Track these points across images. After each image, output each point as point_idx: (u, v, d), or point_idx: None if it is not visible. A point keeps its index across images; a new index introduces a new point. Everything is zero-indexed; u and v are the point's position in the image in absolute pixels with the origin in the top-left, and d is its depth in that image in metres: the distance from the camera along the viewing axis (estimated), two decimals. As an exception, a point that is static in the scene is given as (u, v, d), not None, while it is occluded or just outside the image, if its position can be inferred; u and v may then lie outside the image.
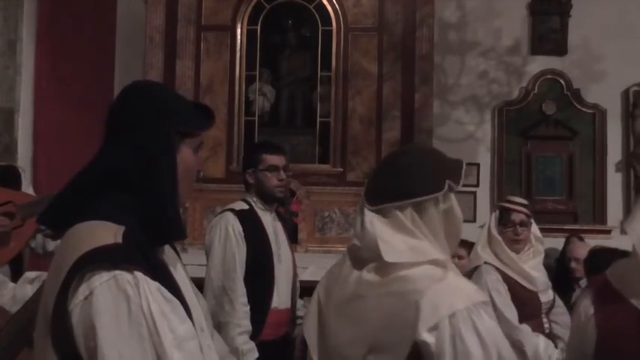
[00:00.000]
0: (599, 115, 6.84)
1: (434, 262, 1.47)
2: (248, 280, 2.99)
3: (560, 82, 6.89)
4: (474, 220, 6.56)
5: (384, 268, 1.47)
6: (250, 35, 6.63)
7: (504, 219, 3.24)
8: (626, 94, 6.89)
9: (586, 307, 1.64)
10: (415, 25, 6.50)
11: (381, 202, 1.51)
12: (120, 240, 1.25)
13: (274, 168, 3.09)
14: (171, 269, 1.38)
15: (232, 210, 3.09)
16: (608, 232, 6.60)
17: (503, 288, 3.09)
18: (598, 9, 6.72)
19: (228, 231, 3.00)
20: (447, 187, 1.51)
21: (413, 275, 1.44)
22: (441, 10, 6.75)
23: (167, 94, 1.48)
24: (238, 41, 6.59)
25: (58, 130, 5.89)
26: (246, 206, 3.12)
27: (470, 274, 3.23)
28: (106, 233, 1.25)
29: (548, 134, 6.81)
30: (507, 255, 3.16)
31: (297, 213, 5.95)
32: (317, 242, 6.09)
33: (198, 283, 3.26)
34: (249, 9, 6.60)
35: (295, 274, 3.27)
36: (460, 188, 1.57)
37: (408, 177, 1.52)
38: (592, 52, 6.81)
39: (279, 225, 3.21)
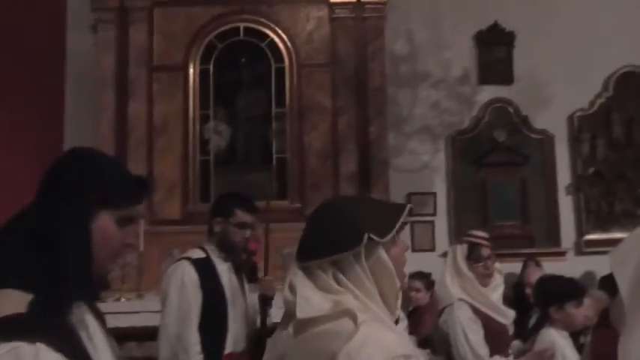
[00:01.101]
0: (547, 140, 7.05)
1: (347, 313, 1.38)
2: (202, 327, 3.02)
3: (509, 110, 7.09)
4: (432, 250, 6.63)
5: (302, 324, 1.42)
6: (203, 74, 6.63)
7: (474, 254, 3.25)
8: (571, 119, 7.13)
9: None
10: (367, 59, 6.61)
11: (305, 259, 1.46)
12: (23, 309, 1.23)
13: (244, 225, 3.12)
14: (84, 334, 1.37)
15: (188, 259, 3.10)
16: (563, 254, 6.75)
17: (476, 325, 3.11)
18: (541, 38, 6.98)
19: (184, 280, 3.02)
20: (365, 240, 1.43)
21: (326, 332, 1.37)
22: (392, 44, 6.90)
23: (102, 164, 1.49)
24: (191, 81, 6.58)
25: (8, 179, 5.73)
26: (202, 254, 3.14)
27: (441, 311, 3.24)
28: (8, 303, 1.23)
29: (500, 160, 6.97)
30: (479, 290, 3.19)
31: (256, 251, 5.89)
32: (278, 281, 6.02)
33: (153, 331, 3.25)
34: (202, 49, 6.62)
35: (252, 317, 3.26)
36: (387, 239, 1.51)
37: (324, 232, 1.47)
38: (537, 79, 7.05)
39: (233, 275, 3.22)
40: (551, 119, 7.03)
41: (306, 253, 1.47)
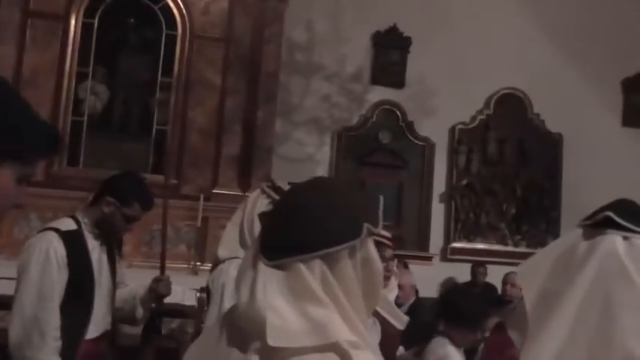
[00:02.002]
0: (428, 147, 7.26)
1: (336, 349, 1.10)
2: (63, 309, 2.64)
3: (397, 113, 7.21)
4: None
5: (270, 352, 1.10)
6: (86, 28, 6.11)
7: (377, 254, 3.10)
8: (452, 130, 7.39)
9: None
10: (263, 42, 6.42)
11: (281, 254, 1.14)
12: None
13: (133, 219, 2.80)
14: None
15: (57, 230, 2.70)
16: (430, 258, 6.98)
17: (375, 330, 2.97)
18: (435, 48, 7.16)
19: (49, 254, 2.62)
20: (365, 231, 1.18)
21: None
22: (290, 30, 6.76)
23: (11, 105, 1.20)
24: (71, 33, 6.04)
25: None
26: (73, 226, 2.74)
27: None
28: None
29: (382, 162, 7.08)
30: (380, 293, 3.04)
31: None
32: (142, 257, 5.69)
33: (6, 301, 2.86)
34: (87, 0, 6.09)
35: (114, 298, 2.96)
36: (379, 232, 1.24)
37: (318, 221, 1.16)
38: (427, 87, 7.23)
39: (104, 253, 2.88)
40: (434, 128, 7.25)
41: (287, 247, 1.14)
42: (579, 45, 7.65)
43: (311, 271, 1.12)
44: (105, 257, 2.84)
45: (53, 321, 2.59)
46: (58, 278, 2.62)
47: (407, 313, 4.72)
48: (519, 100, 7.59)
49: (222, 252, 2.68)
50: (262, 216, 1.71)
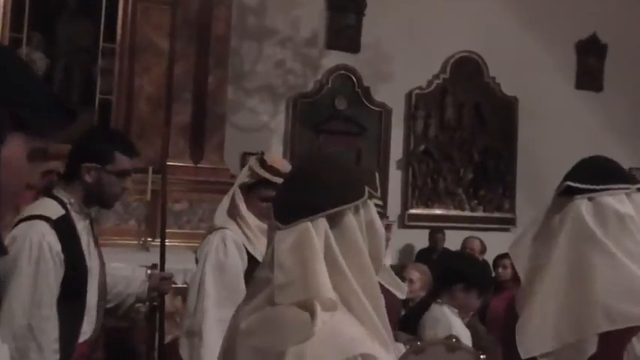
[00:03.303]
0: (385, 113, 7.13)
1: (308, 305, 1.21)
2: (58, 312, 2.25)
3: (352, 79, 7.03)
4: (263, 213, 6.40)
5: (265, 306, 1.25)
6: (18, -10, 5.66)
7: None
8: (409, 95, 7.27)
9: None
10: (212, 4, 6.09)
11: (292, 218, 1.25)
12: None
13: (124, 173, 2.41)
14: None
15: (47, 218, 2.26)
16: (388, 227, 6.89)
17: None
18: (390, 12, 6.98)
19: (42, 249, 2.20)
20: (367, 193, 1.30)
21: (281, 321, 1.21)
22: (241, -8, 6.46)
23: (25, 70, 1.06)
24: (2, -5, 5.58)
25: None
26: (61, 211, 2.31)
27: None
28: None
29: (339, 129, 6.92)
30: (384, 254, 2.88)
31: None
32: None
33: None
34: (18, -41, 5.64)
35: (105, 286, 2.54)
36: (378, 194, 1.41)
37: (324, 185, 1.29)
38: (382, 52, 7.05)
39: (90, 234, 2.47)
40: (391, 93, 7.11)
41: (297, 211, 1.26)
42: (533, 8, 7.59)
43: (316, 230, 1.23)
44: (92, 240, 2.47)
45: (52, 331, 2.20)
46: (55, 278, 2.22)
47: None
48: (475, 63, 7.50)
49: (217, 220, 2.68)
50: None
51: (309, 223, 1.23)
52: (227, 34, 6.21)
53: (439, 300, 3.03)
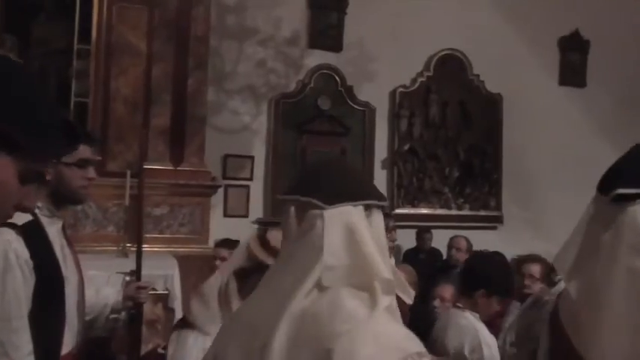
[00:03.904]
0: (369, 113, 7.03)
1: (369, 287, 1.19)
2: (32, 323, 2.10)
3: (335, 78, 6.93)
4: (246, 216, 6.28)
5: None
6: (-11, -9, 5.50)
7: None
8: (393, 94, 7.18)
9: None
10: (191, 4, 5.97)
11: (338, 199, 1.25)
12: None
13: (85, 162, 2.26)
14: None
15: (12, 225, 2.11)
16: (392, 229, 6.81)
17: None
18: (372, 10, 6.89)
19: (9, 259, 2.06)
20: (384, 201, 1.34)
21: (340, 304, 1.15)
22: (219, -9, 6.33)
23: (22, 86, 1.00)
24: (-28, -3, 5.42)
25: None
26: (29, 216, 2.14)
27: None
28: None
29: (322, 129, 6.81)
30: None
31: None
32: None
33: None
34: (-11, -41, 5.48)
35: (83, 295, 2.40)
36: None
37: (366, 180, 1.38)
38: (365, 51, 6.96)
39: (64, 237, 2.32)
40: (375, 92, 7.02)
41: (341, 195, 1.25)
42: (516, 4, 7.55)
43: (359, 215, 1.24)
44: (65, 243, 2.32)
45: (24, 345, 2.05)
46: (25, 289, 2.08)
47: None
48: (459, 61, 7.44)
49: (197, 319, 2.26)
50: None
51: (353, 209, 1.24)
52: (206, 34, 6.08)
53: (459, 305, 2.87)
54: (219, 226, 5.84)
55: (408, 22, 7.04)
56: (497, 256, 3.23)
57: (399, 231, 7.04)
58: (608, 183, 1.43)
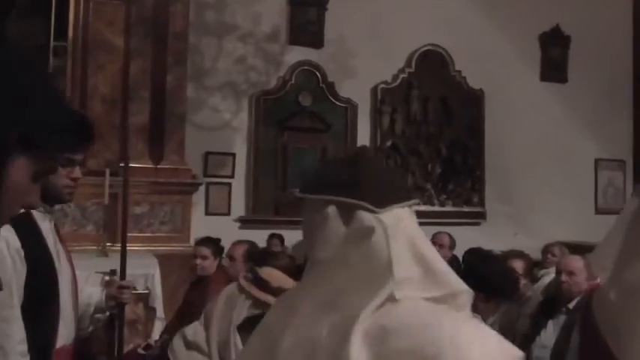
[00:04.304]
0: (351, 109, 7.00)
1: (449, 300, 1.08)
2: (25, 314, 2.09)
3: (316, 75, 6.89)
4: (228, 214, 6.23)
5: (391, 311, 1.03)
6: (-39, -13, 5.39)
7: None
8: (375, 90, 7.15)
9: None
10: (168, 0, 5.90)
11: (389, 202, 1.11)
12: None
13: (70, 162, 2.23)
14: None
15: None
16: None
17: None
18: (353, 6, 6.85)
19: (1, 250, 2.06)
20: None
21: (423, 317, 1.03)
22: (197, -13, 6.26)
23: (34, 83, 0.97)
24: (-57, -7, 5.31)
25: None
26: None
27: None
28: None
29: (304, 126, 6.77)
30: None
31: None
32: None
33: None
34: (-40, -46, 5.37)
35: (76, 291, 2.40)
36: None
37: (395, 175, 1.28)
38: (346, 47, 6.93)
39: (56, 233, 2.32)
40: (356, 89, 6.98)
41: (396, 196, 1.13)
42: (497, 0, 7.56)
43: (411, 218, 1.13)
44: (58, 239, 2.32)
45: (16, 333, 2.05)
46: (17, 279, 2.08)
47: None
48: (441, 57, 7.43)
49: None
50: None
51: (403, 210, 1.12)
52: (185, 31, 6.02)
53: None
54: (201, 225, 5.78)
55: (389, 17, 7.02)
56: (498, 257, 3.12)
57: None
58: None
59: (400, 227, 1.09)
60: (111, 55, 5.76)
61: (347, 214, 1.10)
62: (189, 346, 2.16)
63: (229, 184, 6.42)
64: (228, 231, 5.74)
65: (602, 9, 8.00)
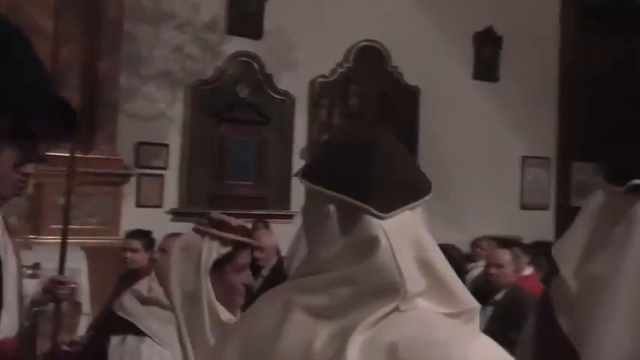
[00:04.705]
0: (289, 102, 6.99)
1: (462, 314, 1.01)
2: None
3: (255, 66, 6.83)
4: (160, 206, 6.12)
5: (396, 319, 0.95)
6: None
7: None
8: (312, 84, 7.17)
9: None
10: (102, -16, 5.71)
11: (397, 204, 1.02)
12: None
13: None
14: None
15: None
16: (291, 217, 6.78)
17: None
18: (293, -2, 6.85)
19: None
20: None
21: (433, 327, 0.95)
22: (133, -28, 6.08)
23: (22, 63, 0.92)
24: None
25: None
26: None
27: None
28: None
29: (241, 117, 6.71)
30: None
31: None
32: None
33: None
34: None
35: (22, 285, 2.34)
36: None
37: (419, 170, 1.11)
38: (285, 39, 6.90)
39: (6, 230, 2.25)
40: (294, 82, 6.98)
41: (401, 196, 1.04)
42: (433, -1, 7.72)
43: (418, 221, 1.05)
44: (6, 234, 2.26)
45: None
46: None
47: (269, 275, 4.52)
48: (378, 52, 7.52)
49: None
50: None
51: (410, 212, 1.03)
52: (120, 16, 5.85)
53: None
54: (132, 217, 5.66)
55: (328, 11, 7.04)
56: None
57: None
58: (621, 173, 1.34)
59: (407, 235, 1.00)
60: (40, 39, 5.49)
61: (350, 215, 1.00)
62: (146, 301, 1.97)
63: (162, 176, 6.30)
64: (160, 223, 5.64)
65: (532, 12, 8.30)
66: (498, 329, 3.90)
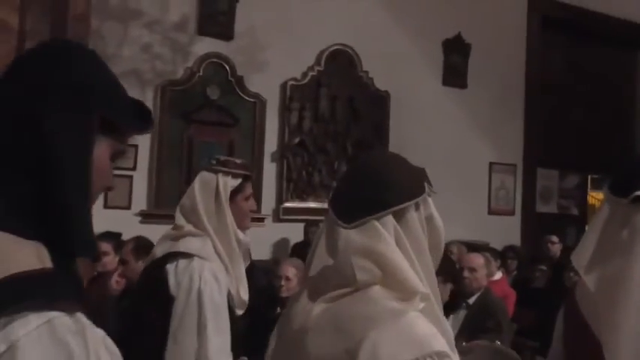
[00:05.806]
0: (259, 104, 6.93)
1: (412, 303, 1.22)
2: None
3: (225, 68, 6.75)
4: (128, 208, 5.97)
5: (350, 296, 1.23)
6: None
7: None
8: (284, 86, 7.13)
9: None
10: (69, -21, 5.54)
11: (358, 216, 1.27)
12: (49, 263, 0.93)
13: None
14: None
15: None
16: (262, 219, 6.72)
17: None
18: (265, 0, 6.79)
19: None
20: (427, 189, 1.34)
21: (368, 310, 1.19)
22: (101, -31, 5.94)
23: (106, 69, 1.13)
24: None
25: None
26: None
27: None
28: (25, 252, 0.91)
29: (211, 119, 6.62)
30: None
31: None
32: None
33: None
34: None
35: None
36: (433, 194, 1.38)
37: (386, 184, 1.30)
38: (257, 41, 6.84)
39: None
40: (265, 84, 6.92)
41: (361, 209, 1.27)
42: (405, 5, 7.77)
43: (386, 228, 1.24)
44: None
45: None
46: None
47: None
48: (349, 56, 7.52)
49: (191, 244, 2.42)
50: None
51: (376, 222, 1.25)
52: (86, 13, 5.66)
53: None
54: (99, 218, 5.47)
55: (300, 14, 7.02)
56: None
57: (287, 224, 7.03)
58: (625, 186, 1.55)
59: (358, 239, 1.26)
60: (3, 35, 5.32)
61: (331, 226, 1.34)
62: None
63: (131, 177, 6.15)
64: (128, 225, 5.51)
65: (500, 22, 8.45)
66: (474, 329, 3.92)
